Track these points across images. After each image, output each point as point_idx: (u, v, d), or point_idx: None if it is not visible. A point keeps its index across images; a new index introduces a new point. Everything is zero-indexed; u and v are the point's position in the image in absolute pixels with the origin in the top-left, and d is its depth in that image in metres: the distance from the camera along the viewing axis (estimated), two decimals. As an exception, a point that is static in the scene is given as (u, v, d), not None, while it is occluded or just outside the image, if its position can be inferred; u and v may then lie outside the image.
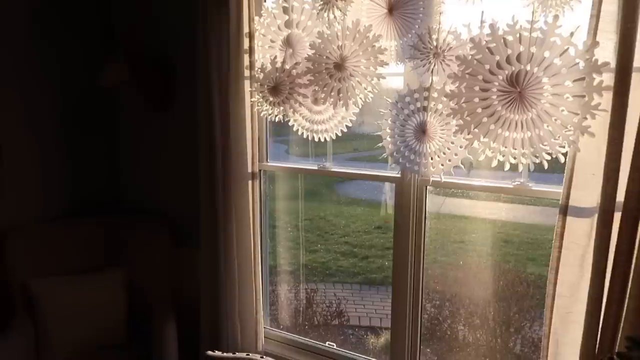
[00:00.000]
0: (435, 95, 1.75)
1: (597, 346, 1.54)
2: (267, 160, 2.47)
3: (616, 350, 1.49)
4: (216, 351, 1.56)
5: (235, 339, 2.35)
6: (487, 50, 1.56)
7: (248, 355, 1.47)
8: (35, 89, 2.55)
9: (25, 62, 2.50)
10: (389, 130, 1.86)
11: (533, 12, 1.55)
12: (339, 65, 1.87)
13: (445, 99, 1.69)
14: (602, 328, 1.52)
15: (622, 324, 1.50)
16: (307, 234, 2.97)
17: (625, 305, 1.50)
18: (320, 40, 1.89)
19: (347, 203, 3.97)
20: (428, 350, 2.41)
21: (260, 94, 2.09)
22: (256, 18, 2.14)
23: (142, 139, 2.82)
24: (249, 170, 2.26)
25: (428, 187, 2.04)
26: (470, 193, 2.24)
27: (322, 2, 1.88)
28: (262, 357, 1.46)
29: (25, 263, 2.43)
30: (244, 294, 2.34)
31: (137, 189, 2.89)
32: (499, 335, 2.42)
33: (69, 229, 2.61)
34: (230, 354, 1.52)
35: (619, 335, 1.50)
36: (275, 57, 2.05)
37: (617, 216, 1.48)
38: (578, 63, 1.47)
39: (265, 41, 2.12)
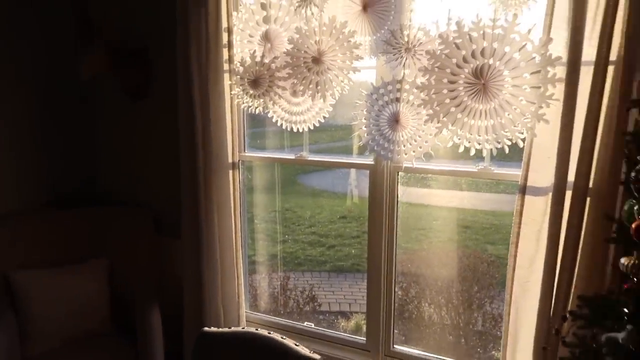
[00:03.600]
0: (407, 87, 1.89)
1: (551, 310, 1.73)
2: (244, 150, 2.56)
3: (569, 313, 1.68)
4: (212, 327, 1.65)
5: (219, 322, 2.44)
6: (454, 45, 1.72)
7: (243, 328, 1.57)
8: (8, 81, 2.55)
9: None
10: (364, 120, 1.99)
11: (495, 11, 1.71)
12: (317, 59, 1.99)
13: (416, 90, 1.84)
14: (555, 294, 1.71)
15: (573, 290, 1.70)
16: (274, 225, 3.05)
17: (576, 273, 1.69)
18: (298, 36, 2.00)
19: (312, 195, 4.07)
20: (396, 331, 2.56)
21: (241, 87, 2.18)
22: (234, 13, 2.22)
23: (121, 131, 2.85)
24: (230, 160, 2.35)
25: (399, 175, 2.19)
26: (431, 183, 2.41)
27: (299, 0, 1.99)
28: (256, 330, 1.56)
29: (6, 255, 2.44)
30: (227, 279, 2.44)
31: (117, 180, 2.92)
32: (462, 313, 2.61)
33: (50, 221, 2.63)
34: (227, 329, 1.61)
35: (570, 299, 1.70)
36: (255, 51, 2.15)
37: (568, 194, 1.67)
38: (535, 57, 1.65)
39: (244, 36, 2.20)
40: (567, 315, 1.46)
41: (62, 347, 2.43)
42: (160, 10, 2.53)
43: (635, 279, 1.23)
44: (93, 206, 2.84)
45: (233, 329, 1.60)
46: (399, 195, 2.22)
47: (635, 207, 1.26)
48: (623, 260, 1.27)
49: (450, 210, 2.58)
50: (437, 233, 2.67)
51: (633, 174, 1.26)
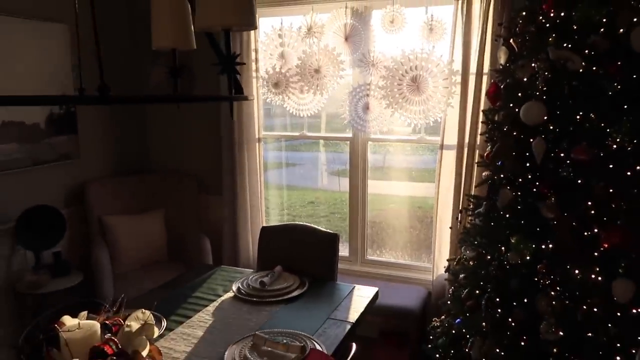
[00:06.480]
0: (373, 87, 3.12)
1: (459, 213, 3.00)
2: (263, 131, 3.72)
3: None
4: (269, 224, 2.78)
5: (248, 247, 3.60)
6: (400, 63, 2.96)
7: (288, 223, 2.70)
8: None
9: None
10: (347, 108, 3.21)
11: (422, 43, 2.96)
12: (317, 70, 3.19)
13: (378, 89, 3.07)
14: (461, 203, 2.98)
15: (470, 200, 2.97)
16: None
17: (473, 191, 2.96)
18: (304, 55, 3.20)
19: (277, 188, 5.03)
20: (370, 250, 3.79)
21: (266, 88, 3.35)
22: (259, 39, 3.39)
23: (173, 122, 3.91)
24: (257, 136, 3.52)
25: (369, 143, 3.42)
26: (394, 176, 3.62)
27: (304, 33, 3.19)
28: (300, 224, 2.68)
29: (100, 205, 3.51)
30: (255, 219, 3.59)
31: (169, 155, 4.01)
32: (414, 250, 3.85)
33: (124, 182, 3.71)
34: (278, 224, 2.74)
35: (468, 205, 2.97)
36: (275, 65, 3.32)
37: (465, 149, 2.95)
38: (445, 70, 2.91)
39: (266, 54, 3.37)
40: (460, 212, 2.73)
41: (138, 269, 3.52)
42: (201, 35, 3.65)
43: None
44: (152, 173, 3.94)
45: (281, 223, 2.76)
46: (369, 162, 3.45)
47: (488, 148, 2.52)
48: (484, 174, 2.54)
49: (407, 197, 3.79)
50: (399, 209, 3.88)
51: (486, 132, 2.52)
